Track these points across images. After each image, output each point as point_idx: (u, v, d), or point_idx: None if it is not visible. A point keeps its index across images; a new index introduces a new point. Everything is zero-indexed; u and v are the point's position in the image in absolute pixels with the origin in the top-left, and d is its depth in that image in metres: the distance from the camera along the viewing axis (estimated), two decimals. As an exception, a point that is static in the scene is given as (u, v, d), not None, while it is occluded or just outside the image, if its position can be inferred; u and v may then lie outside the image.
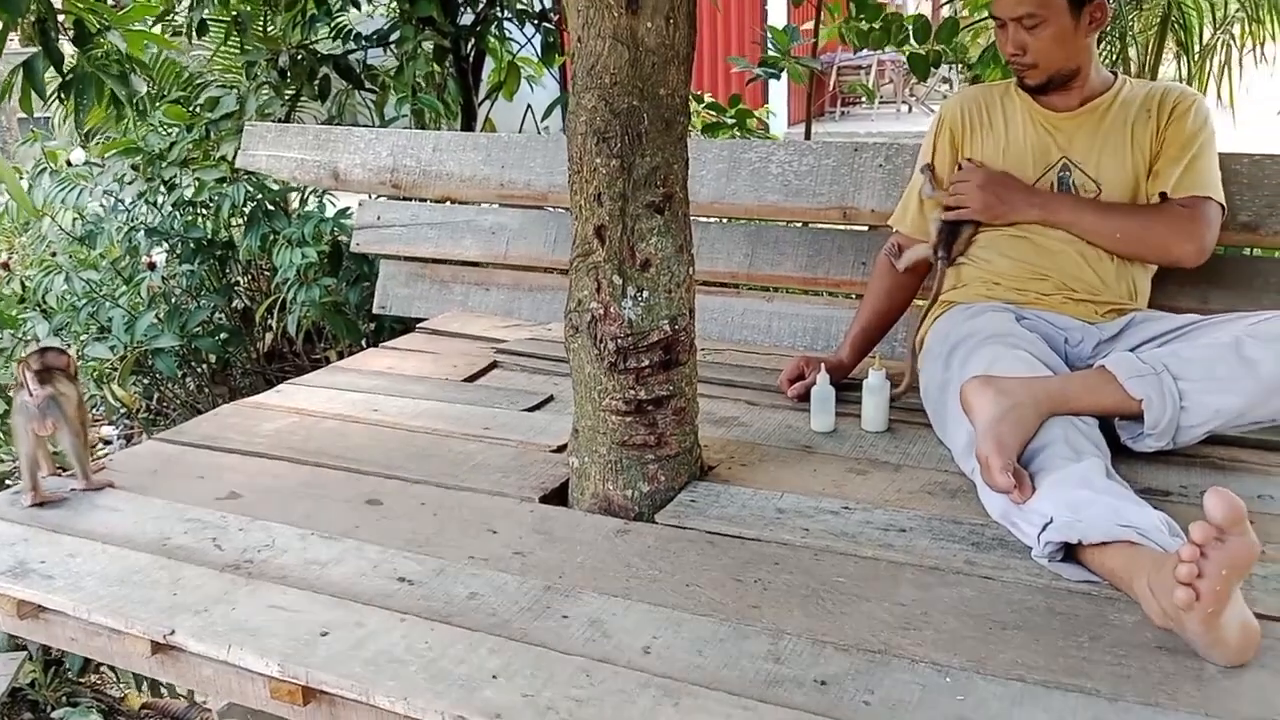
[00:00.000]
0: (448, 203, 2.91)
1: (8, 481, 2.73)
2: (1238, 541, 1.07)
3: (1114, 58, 4.72)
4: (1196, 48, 5.02)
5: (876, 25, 5.34)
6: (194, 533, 1.52)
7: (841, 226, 2.37)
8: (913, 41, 4.44)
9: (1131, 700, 1.07)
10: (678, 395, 1.60)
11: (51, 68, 3.05)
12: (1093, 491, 1.32)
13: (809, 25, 5.41)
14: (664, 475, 1.60)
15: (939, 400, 1.74)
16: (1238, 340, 1.50)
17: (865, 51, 6.01)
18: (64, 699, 2.46)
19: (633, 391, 1.56)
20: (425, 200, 2.87)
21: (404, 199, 2.86)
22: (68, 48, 3.23)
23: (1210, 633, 1.09)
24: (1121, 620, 1.21)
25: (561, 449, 1.77)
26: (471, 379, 2.22)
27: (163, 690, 2.69)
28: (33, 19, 2.92)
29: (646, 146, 1.50)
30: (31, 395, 1.60)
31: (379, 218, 2.84)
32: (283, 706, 1.22)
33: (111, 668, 2.69)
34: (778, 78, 5.25)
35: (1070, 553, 1.32)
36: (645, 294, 1.54)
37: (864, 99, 11.68)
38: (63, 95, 3.31)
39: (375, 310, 2.91)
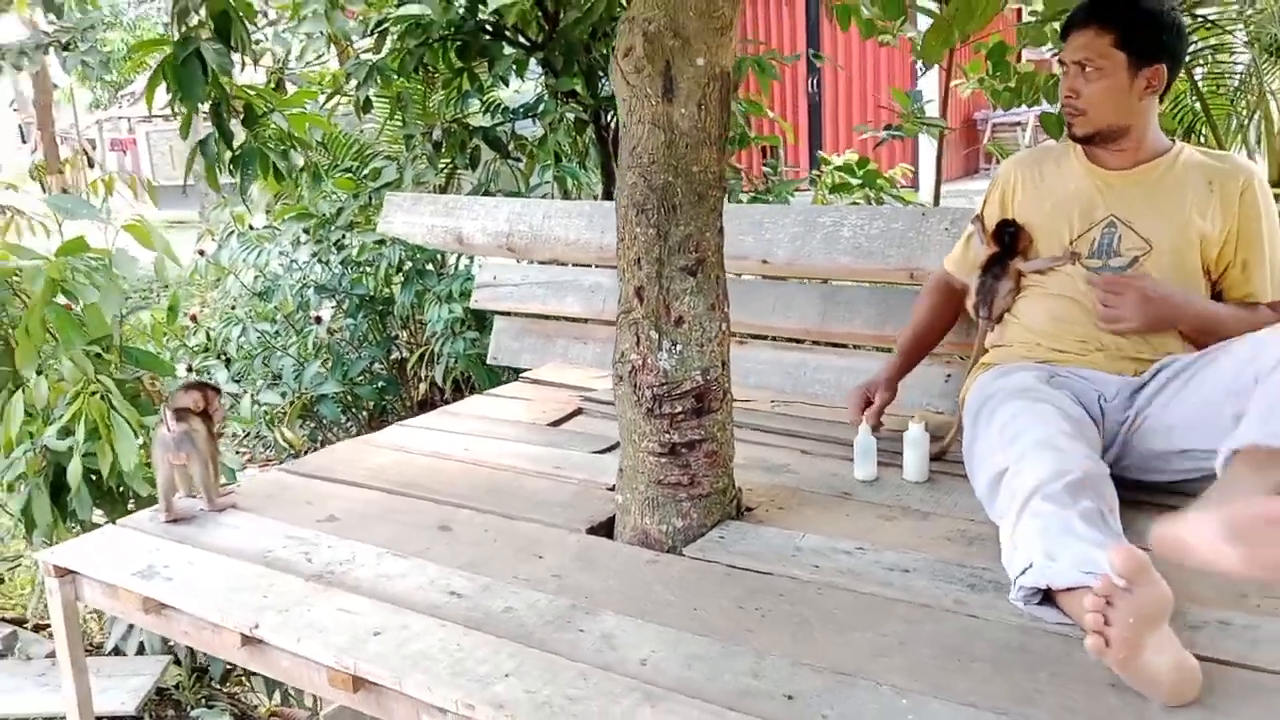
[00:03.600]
0: (555, 265, 3.16)
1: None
2: (1145, 591, 1.15)
3: (1250, 113, 4.59)
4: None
5: (1011, 84, 5.39)
6: (291, 548, 1.77)
7: (909, 285, 2.47)
8: (1044, 100, 4.49)
9: (1069, 729, 1.16)
10: (710, 440, 1.76)
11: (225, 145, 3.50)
12: (1073, 537, 1.39)
13: (958, 83, 5.50)
14: (696, 513, 1.76)
15: (970, 453, 1.83)
16: None
17: (1023, 108, 6.03)
18: (203, 701, 2.79)
19: (668, 435, 1.73)
20: (535, 262, 3.13)
21: (519, 261, 3.13)
22: (240, 130, 3.70)
23: (1131, 674, 1.17)
24: (1084, 659, 1.28)
25: (615, 487, 1.95)
26: (556, 423, 2.43)
27: (291, 700, 2.99)
28: (209, 104, 3.38)
29: (680, 217, 1.69)
30: (170, 431, 1.91)
31: (495, 277, 3.12)
32: (340, 693, 1.44)
33: (249, 677, 3.01)
34: (902, 139, 5.35)
35: (1050, 595, 1.40)
36: (679, 347, 1.72)
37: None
38: (232, 169, 3.78)
39: (489, 361, 3.18)
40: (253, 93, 3.54)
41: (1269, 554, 1.14)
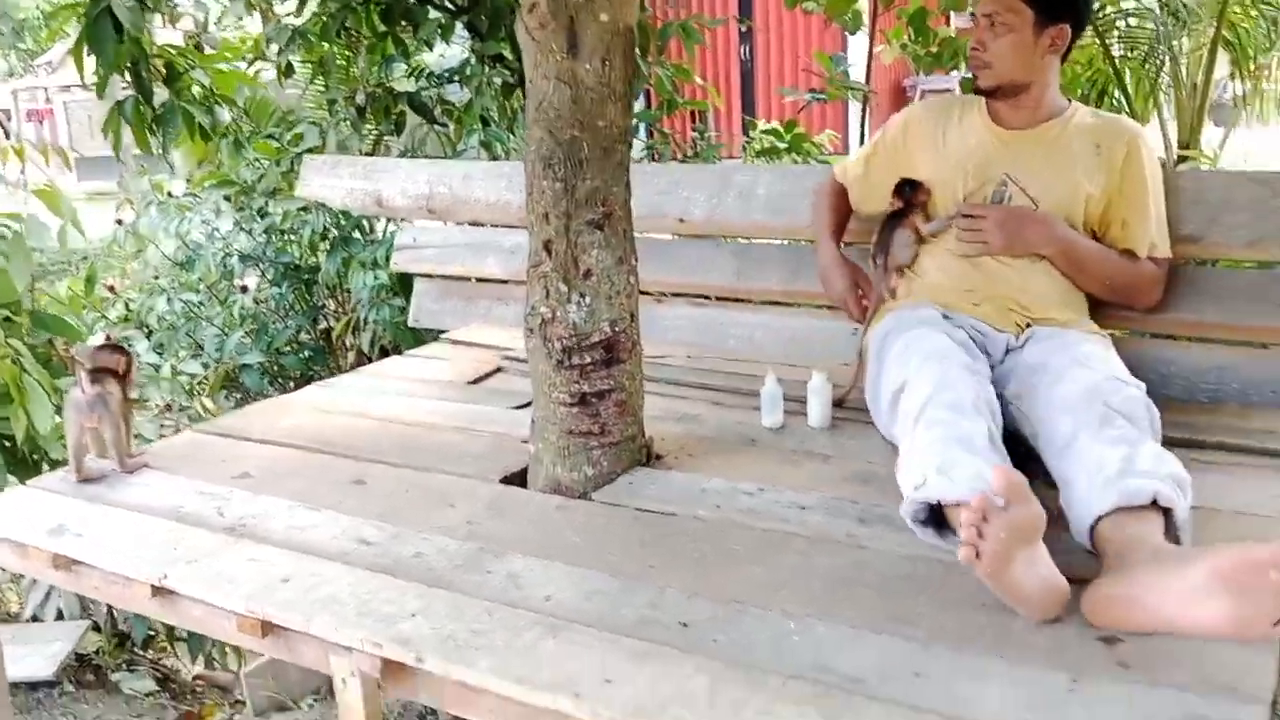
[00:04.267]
0: (477, 226, 3.17)
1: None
2: (1019, 510, 1.21)
3: (1156, 74, 4.74)
4: (1250, 66, 4.99)
5: (933, 49, 5.48)
6: (203, 503, 1.78)
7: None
8: (965, 66, 4.57)
9: (942, 644, 1.23)
10: (619, 389, 1.80)
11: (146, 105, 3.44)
12: (965, 452, 1.46)
13: (880, 49, 5.58)
14: (607, 460, 1.80)
15: (873, 386, 1.90)
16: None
17: (954, 74, 6.12)
18: (124, 666, 2.78)
19: (578, 385, 1.78)
20: (457, 224, 3.14)
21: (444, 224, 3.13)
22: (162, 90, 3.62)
23: (1001, 587, 1.24)
24: (962, 584, 1.36)
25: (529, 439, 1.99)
26: (475, 382, 2.46)
27: (215, 664, 3.00)
28: (128, 63, 3.31)
29: (586, 172, 1.72)
30: (84, 393, 1.90)
31: (415, 239, 3.12)
32: (250, 639, 1.47)
33: (171, 643, 3.00)
34: (826, 103, 5.40)
35: (936, 515, 1.46)
36: (588, 300, 1.76)
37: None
38: (154, 129, 3.70)
39: (411, 324, 3.19)
40: (174, 52, 3.48)
41: (1256, 608, 1.14)
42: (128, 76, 3.34)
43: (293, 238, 3.98)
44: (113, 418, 1.92)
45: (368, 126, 4.34)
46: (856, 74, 5.94)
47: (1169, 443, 1.58)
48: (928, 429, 1.53)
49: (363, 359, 4.27)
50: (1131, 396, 1.60)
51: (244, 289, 3.93)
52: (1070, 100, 2.12)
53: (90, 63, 3.14)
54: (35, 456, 2.68)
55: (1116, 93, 4.74)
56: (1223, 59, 5.06)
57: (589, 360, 1.77)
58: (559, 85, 1.70)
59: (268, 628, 1.43)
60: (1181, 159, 4.54)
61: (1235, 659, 1.17)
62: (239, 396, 4.15)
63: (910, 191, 2.11)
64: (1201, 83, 4.95)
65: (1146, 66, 4.92)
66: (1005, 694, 1.12)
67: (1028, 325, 1.94)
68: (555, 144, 1.72)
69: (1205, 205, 2.09)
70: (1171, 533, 1.36)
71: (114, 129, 3.53)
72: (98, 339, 1.98)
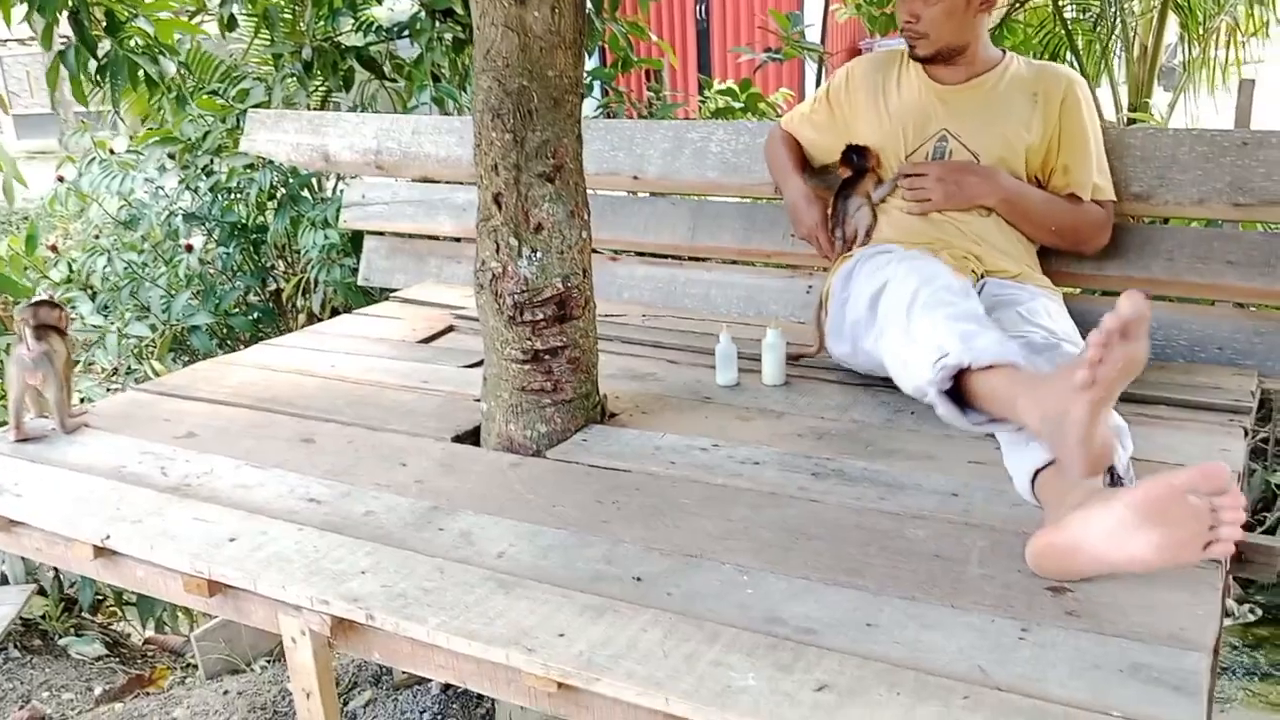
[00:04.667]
0: (427, 182, 3.12)
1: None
2: (1137, 346, 1.18)
3: (1107, 38, 4.77)
4: (1199, 31, 5.04)
5: (888, 10, 5.46)
6: (146, 463, 1.74)
7: (775, 199, 2.53)
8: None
9: (893, 594, 1.24)
10: (572, 346, 1.78)
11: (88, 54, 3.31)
12: (980, 325, 1.49)
13: (836, 9, 5.54)
14: (560, 418, 1.79)
15: (839, 318, 1.91)
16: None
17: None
18: (72, 631, 2.74)
19: (529, 342, 1.75)
20: (407, 180, 3.08)
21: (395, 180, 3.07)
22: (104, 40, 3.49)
23: (1090, 424, 1.20)
24: (914, 535, 1.38)
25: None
26: (427, 340, 2.43)
27: (165, 627, 2.96)
28: (67, 12, 3.18)
29: (537, 122, 1.69)
30: (29, 350, 1.84)
31: (364, 196, 3.06)
32: (195, 599, 1.44)
33: (120, 607, 2.96)
34: (782, 62, 5.37)
35: (956, 393, 1.47)
36: (539, 254, 1.73)
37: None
38: (99, 80, 3.57)
39: (360, 283, 3.14)
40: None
41: (1183, 533, 1.13)
42: (68, 25, 3.22)
43: (239, 196, 3.89)
44: (56, 376, 1.87)
45: (315, 83, 4.25)
46: (813, 35, 5.91)
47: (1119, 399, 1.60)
48: (928, 311, 1.55)
49: (313, 320, 4.20)
50: (1066, 354, 1.61)
51: (189, 248, 3.83)
52: (1004, 51, 2.13)
53: (19, 11, 3.02)
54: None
55: (1068, 55, 4.76)
56: (1172, 23, 5.11)
57: (541, 316, 1.75)
58: (507, 33, 1.66)
59: (215, 587, 1.41)
60: (1130, 122, 4.58)
61: (1180, 608, 1.19)
62: (187, 359, 4.06)
63: (858, 159, 2.12)
64: (1151, 46, 5.00)
65: (1098, 29, 4.95)
66: (958, 642, 1.13)
67: (982, 276, 1.95)
68: (504, 94, 1.68)
69: (1154, 163, 2.10)
70: (1116, 484, 1.37)
71: (55, 80, 3.41)
72: (39, 297, 1.92)
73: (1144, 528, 1.15)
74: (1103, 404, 1.21)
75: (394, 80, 4.38)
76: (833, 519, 1.44)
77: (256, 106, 3.96)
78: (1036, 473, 1.39)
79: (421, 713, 2.29)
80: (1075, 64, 4.76)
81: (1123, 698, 1.03)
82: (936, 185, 2.01)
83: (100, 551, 1.52)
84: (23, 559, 2.66)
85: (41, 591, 2.75)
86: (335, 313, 4.10)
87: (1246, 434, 1.73)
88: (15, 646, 2.63)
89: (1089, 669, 1.08)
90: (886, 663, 1.10)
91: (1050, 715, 1.01)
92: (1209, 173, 2.05)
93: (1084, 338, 1.68)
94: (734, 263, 2.59)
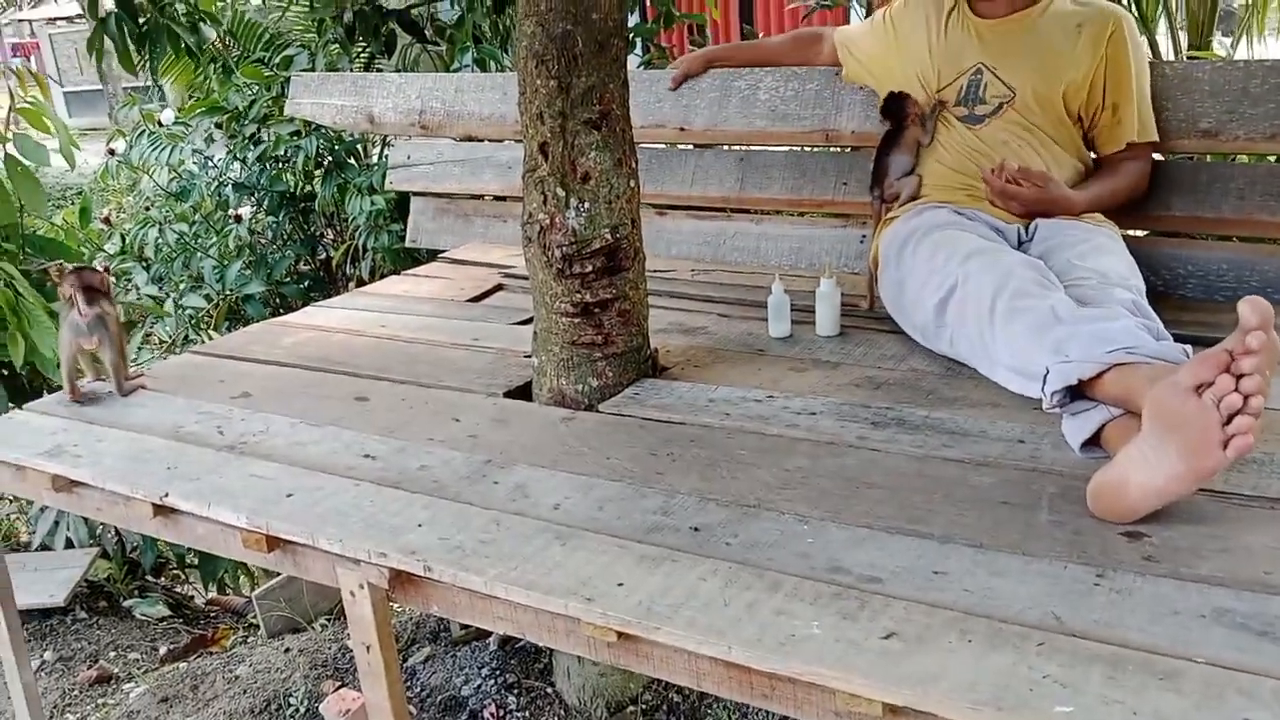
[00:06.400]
0: (471, 141, 3.09)
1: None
2: (1272, 348, 1.09)
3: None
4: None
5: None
6: (203, 423, 1.75)
7: (823, 146, 2.47)
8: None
9: (959, 542, 1.20)
10: (622, 299, 1.76)
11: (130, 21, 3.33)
12: (1065, 326, 1.43)
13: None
14: (611, 371, 1.77)
15: (899, 292, 1.86)
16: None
17: None
18: (136, 592, 2.79)
19: (579, 295, 1.73)
20: (451, 139, 3.06)
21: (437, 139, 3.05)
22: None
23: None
24: (979, 482, 1.34)
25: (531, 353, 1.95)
26: (476, 299, 2.42)
27: (228, 589, 3.01)
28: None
29: (582, 68, 1.65)
30: (82, 315, 1.85)
31: (409, 157, 3.05)
32: (255, 554, 1.45)
33: (183, 569, 3.01)
34: (830, 8, 5.25)
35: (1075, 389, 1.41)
36: (587, 205, 1.70)
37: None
38: (139, 49, 3.59)
39: (408, 244, 3.13)
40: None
41: (1194, 434, 1.09)
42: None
43: (286, 165, 3.90)
44: (112, 339, 1.88)
45: (357, 48, 4.23)
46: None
47: (1187, 342, 1.53)
48: (1010, 319, 1.51)
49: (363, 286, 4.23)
50: (1118, 299, 1.56)
51: (238, 218, 3.86)
52: None
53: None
54: (36, 383, 2.65)
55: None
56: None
57: (590, 269, 1.72)
58: (551, -23, 1.62)
59: (273, 542, 1.41)
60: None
61: (1261, 552, 1.14)
62: (241, 328, 4.11)
63: (900, 107, 2.06)
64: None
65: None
66: (1030, 589, 1.10)
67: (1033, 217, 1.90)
68: (548, 38, 1.64)
69: (1224, 96, 2.02)
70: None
71: (99, 50, 3.43)
72: (80, 265, 1.93)
73: (1166, 440, 1.11)
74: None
75: (435, 43, 4.35)
76: (894, 467, 1.40)
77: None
78: (1100, 429, 1.35)
79: (480, 668, 2.30)
80: (1132, 5, 4.59)
81: (1205, 644, 0.99)
82: (1032, 202, 1.91)
83: (159, 510, 1.53)
84: (85, 522, 2.71)
85: (105, 555, 2.81)
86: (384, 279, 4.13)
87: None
88: (82, 608, 2.69)
89: (1168, 615, 1.04)
90: (956, 610, 1.07)
91: (1130, 661, 0.97)
92: (1284, 105, 1.96)
93: (1148, 285, 1.62)
94: (781, 213, 2.54)
